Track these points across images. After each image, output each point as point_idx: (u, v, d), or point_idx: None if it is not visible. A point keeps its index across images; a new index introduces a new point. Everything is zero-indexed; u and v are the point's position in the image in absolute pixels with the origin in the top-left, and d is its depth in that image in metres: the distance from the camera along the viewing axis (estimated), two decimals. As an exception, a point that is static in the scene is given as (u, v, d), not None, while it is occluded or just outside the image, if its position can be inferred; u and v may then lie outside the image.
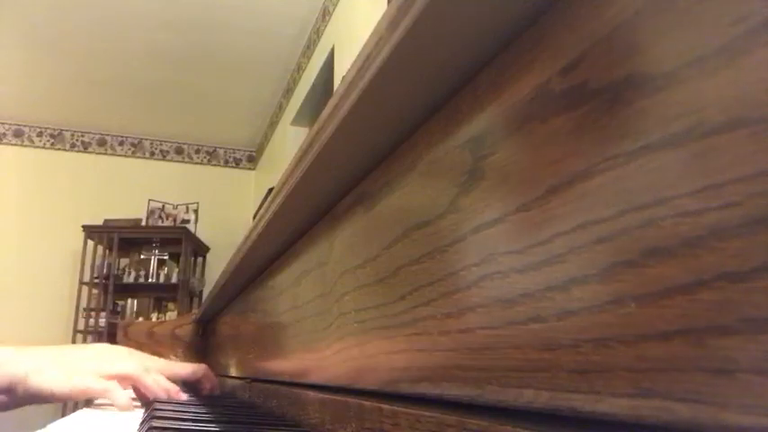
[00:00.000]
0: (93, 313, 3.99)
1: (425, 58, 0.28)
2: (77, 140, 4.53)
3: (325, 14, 3.03)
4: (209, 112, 4.24)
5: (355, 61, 0.32)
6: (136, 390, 0.77)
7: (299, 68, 3.55)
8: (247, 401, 0.88)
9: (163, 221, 4.39)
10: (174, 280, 4.11)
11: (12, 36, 3.37)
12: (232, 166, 4.82)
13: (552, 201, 0.22)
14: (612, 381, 0.18)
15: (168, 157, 4.69)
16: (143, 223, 4.33)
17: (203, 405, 0.76)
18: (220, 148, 4.77)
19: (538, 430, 0.21)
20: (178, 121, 4.39)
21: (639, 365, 0.17)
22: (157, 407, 0.67)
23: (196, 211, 4.45)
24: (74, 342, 3.87)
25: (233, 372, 1.08)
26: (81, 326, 3.97)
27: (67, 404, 3.60)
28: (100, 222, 4.14)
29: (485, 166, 0.27)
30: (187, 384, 0.97)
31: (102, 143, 4.58)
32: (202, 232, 4.39)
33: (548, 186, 0.22)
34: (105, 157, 4.57)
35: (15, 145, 4.40)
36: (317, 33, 3.19)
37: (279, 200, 0.53)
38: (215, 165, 4.78)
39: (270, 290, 0.79)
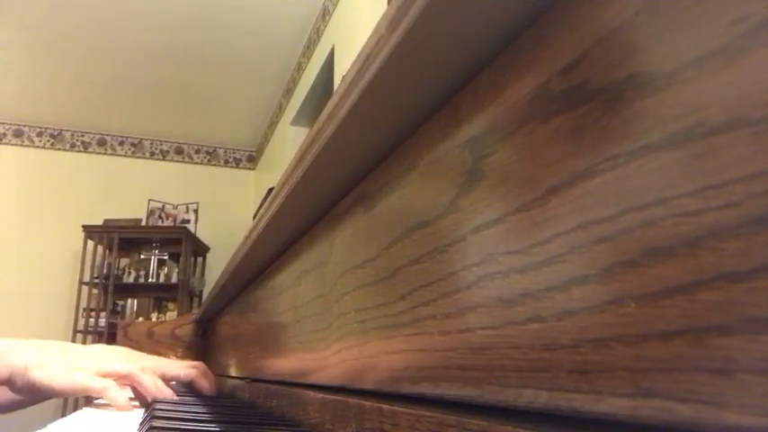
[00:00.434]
0: (93, 313, 3.99)
1: (425, 58, 0.28)
2: (77, 140, 4.53)
3: (325, 14, 3.03)
4: (209, 112, 4.24)
5: (355, 61, 0.32)
6: (134, 390, 0.78)
7: (299, 68, 3.55)
8: (247, 401, 0.88)
9: (163, 221, 4.40)
10: (173, 280, 4.11)
11: (12, 36, 3.37)
12: (232, 166, 4.82)
13: (552, 201, 0.22)
14: (612, 381, 0.18)
15: (168, 157, 4.69)
16: (143, 223, 4.33)
17: (203, 405, 0.76)
18: (220, 148, 4.78)
19: (538, 430, 0.21)
20: (178, 121, 4.39)
21: (639, 365, 0.17)
22: (157, 407, 0.67)
23: (196, 211, 4.45)
24: (73, 342, 3.87)
25: (233, 372, 1.08)
26: (81, 326, 3.97)
27: (67, 404, 3.61)
28: (100, 222, 4.15)
29: (485, 166, 0.27)
30: (187, 384, 0.97)
31: (102, 143, 4.58)
32: (202, 232, 4.39)
33: (548, 186, 0.22)
34: (105, 157, 4.57)
35: (15, 145, 4.40)
36: (317, 33, 3.19)
37: (279, 200, 0.53)
38: (215, 165, 4.78)
39: (270, 290, 0.79)
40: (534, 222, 0.23)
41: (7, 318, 3.91)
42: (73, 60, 3.60)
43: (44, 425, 0.62)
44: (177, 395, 0.82)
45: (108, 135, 4.57)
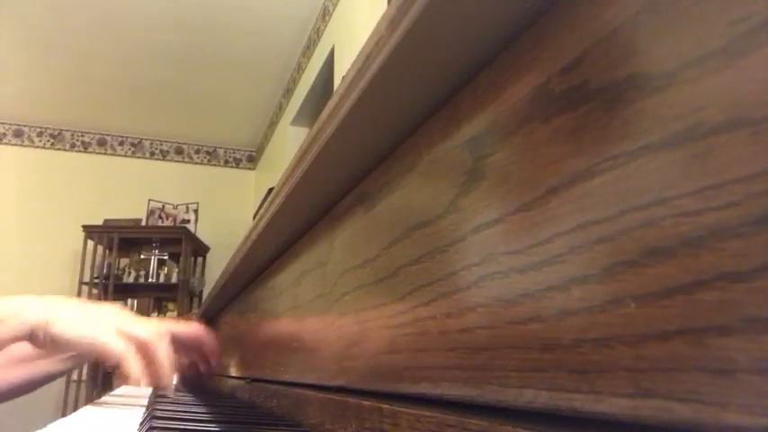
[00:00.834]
0: (93, 313, 3.99)
1: (425, 58, 0.28)
2: (77, 140, 4.53)
3: (325, 14, 3.03)
4: (209, 112, 4.24)
5: (355, 61, 0.32)
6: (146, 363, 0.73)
7: (299, 68, 3.55)
8: (247, 401, 0.88)
9: (163, 221, 4.39)
10: (174, 280, 4.11)
11: (12, 36, 3.37)
12: (232, 166, 4.82)
13: (552, 201, 0.22)
14: (612, 381, 0.18)
15: (168, 157, 4.69)
16: (143, 223, 4.33)
17: (203, 405, 0.76)
18: (220, 148, 4.77)
19: (538, 430, 0.21)
20: (178, 121, 4.38)
21: (639, 365, 0.17)
22: (157, 407, 0.67)
23: (196, 211, 4.45)
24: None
25: (233, 372, 1.08)
26: (81, 326, 3.97)
27: (67, 404, 3.61)
28: (100, 222, 4.14)
29: (485, 166, 0.27)
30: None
31: (102, 143, 4.58)
32: (202, 232, 4.39)
33: (548, 186, 0.22)
34: (105, 157, 4.56)
35: (15, 145, 4.40)
36: (317, 33, 3.19)
37: (279, 200, 0.53)
38: (215, 165, 4.78)
39: (270, 290, 0.79)
40: (534, 222, 0.23)
41: (7, 318, 3.90)
42: (73, 60, 3.60)
43: (44, 425, 0.62)
44: (177, 394, 0.81)
45: (108, 135, 4.57)
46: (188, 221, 4.39)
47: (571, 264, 0.20)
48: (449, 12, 0.25)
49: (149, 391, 1.07)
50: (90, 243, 4.08)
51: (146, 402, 0.84)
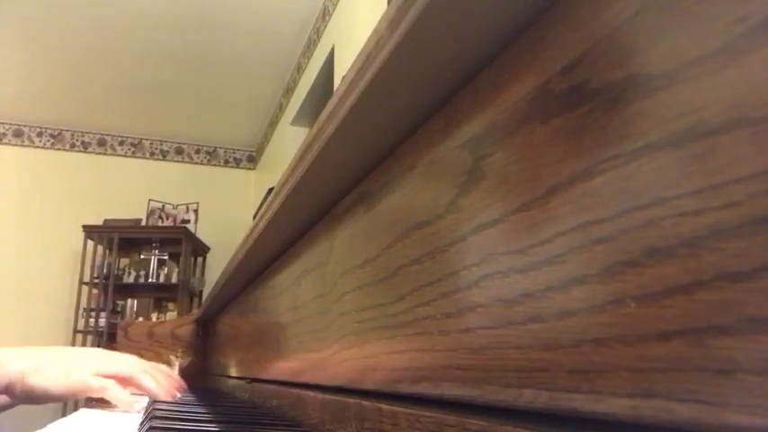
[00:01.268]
0: (93, 313, 3.99)
1: (425, 58, 0.28)
2: (77, 140, 4.53)
3: (326, 14, 3.03)
4: (209, 112, 4.24)
5: (355, 61, 0.32)
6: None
7: (299, 68, 3.55)
8: (247, 401, 0.88)
9: (163, 221, 4.39)
10: (174, 280, 4.11)
11: (12, 36, 3.37)
12: (232, 166, 4.81)
13: (552, 201, 0.22)
14: (612, 381, 0.18)
15: (168, 157, 4.69)
16: (143, 223, 4.33)
17: (203, 405, 0.76)
18: (220, 148, 4.77)
19: (538, 430, 0.21)
20: (178, 121, 4.38)
21: (639, 365, 0.17)
22: (157, 407, 0.67)
23: (196, 211, 4.45)
24: (74, 342, 3.87)
25: (233, 372, 1.08)
26: (81, 326, 3.97)
27: (67, 404, 3.61)
28: (100, 222, 4.14)
29: (485, 166, 0.27)
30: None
31: (102, 143, 4.58)
32: (202, 232, 4.39)
33: (548, 186, 0.22)
34: (105, 157, 4.56)
35: (15, 145, 4.40)
36: (317, 33, 3.19)
37: (279, 200, 0.53)
38: (215, 165, 4.78)
39: (270, 290, 0.79)
40: (534, 222, 0.23)
41: (7, 318, 3.91)
42: (73, 60, 3.60)
43: (44, 425, 0.62)
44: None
45: (108, 135, 4.57)
46: (188, 221, 4.39)
47: (571, 264, 0.20)
48: (449, 12, 0.25)
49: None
50: (90, 243, 4.08)
51: (144, 404, 0.84)
